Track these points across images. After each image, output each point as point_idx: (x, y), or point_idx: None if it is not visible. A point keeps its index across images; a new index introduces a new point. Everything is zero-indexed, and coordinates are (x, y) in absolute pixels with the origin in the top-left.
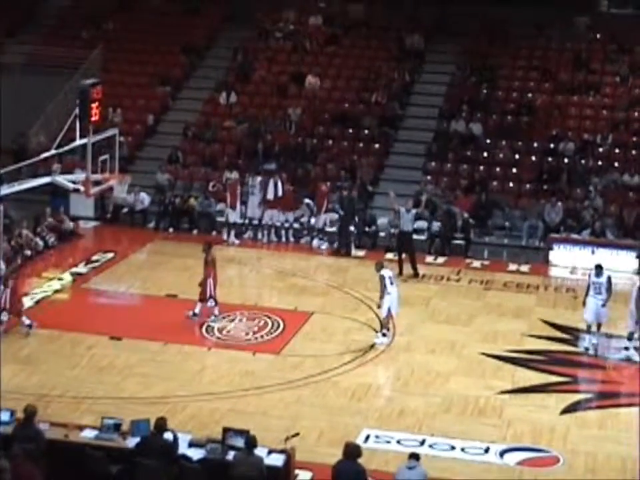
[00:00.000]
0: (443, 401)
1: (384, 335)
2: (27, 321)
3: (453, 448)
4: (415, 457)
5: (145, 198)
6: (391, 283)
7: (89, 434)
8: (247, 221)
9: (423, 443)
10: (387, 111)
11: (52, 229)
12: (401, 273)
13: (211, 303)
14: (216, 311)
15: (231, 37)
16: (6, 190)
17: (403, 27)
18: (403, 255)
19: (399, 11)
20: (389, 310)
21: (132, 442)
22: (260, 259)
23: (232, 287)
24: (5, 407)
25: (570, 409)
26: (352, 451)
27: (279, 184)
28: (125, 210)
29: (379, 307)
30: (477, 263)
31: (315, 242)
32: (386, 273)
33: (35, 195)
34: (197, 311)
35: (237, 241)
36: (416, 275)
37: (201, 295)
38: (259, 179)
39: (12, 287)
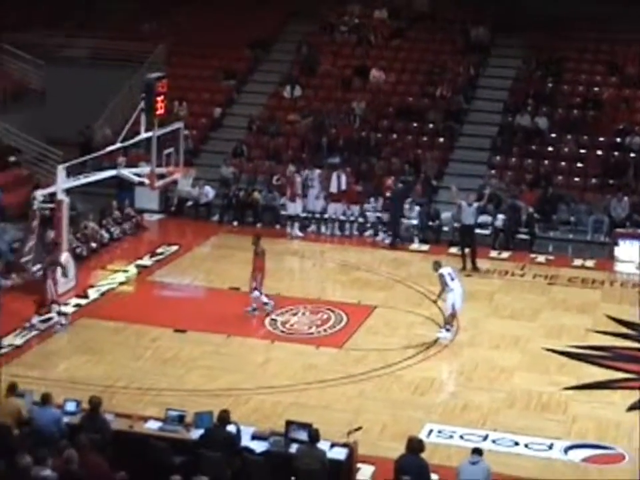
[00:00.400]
0: (506, 396)
1: (447, 330)
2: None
3: (516, 444)
4: (477, 452)
5: (209, 191)
6: (452, 279)
7: (153, 425)
8: (310, 214)
9: (486, 438)
10: (452, 105)
11: (117, 222)
12: (464, 267)
13: (255, 294)
14: (265, 300)
15: (296, 30)
16: (72, 182)
17: (468, 20)
18: (466, 250)
19: (465, 3)
20: (453, 305)
21: (195, 434)
22: (323, 253)
23: (295, 280)
24: (71, 397)
25: (636, 406)
26: (415, 445)
27: (343, 177)
28: (190, 203)
29: (435, 301)
30: (541, 258)
31: (380, 235)
32: (445, 270)
33: (100, 188)
34: (254, 305)
35: (300, 234)
36: (475, 269)
37: (259, 287)
38: (317, 171)
39: (52, 278)
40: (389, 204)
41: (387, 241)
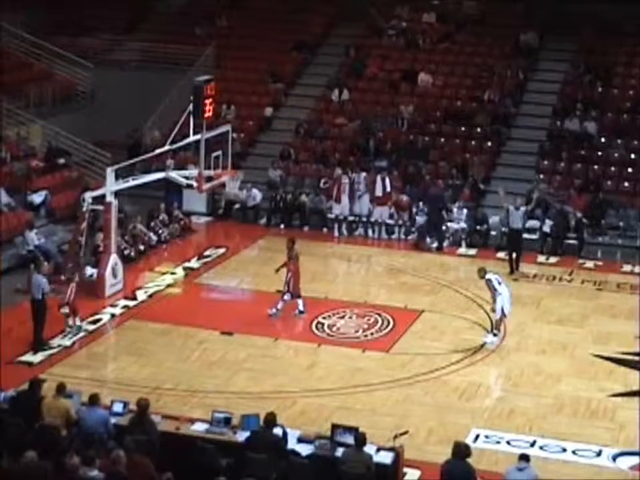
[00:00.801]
0: (554, 402)
1: (495, 334)
2: (78, 322)
3: (564, 450)
4: (525, 458)
5: (256, 194)
6: (499, 283)
7: (199, 427)
8: (356, 218)
9: (533, 444)
10: (500, 109)
11: (165, 224)
12: (511, 271)
13: (287, 297)
14: (301, 305)
15: (343, 33)
16: (121, 185)
17: (517, 24)
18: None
19: (514, 7)
20: (502, 310)
21: (242, 436)
22: (370, 256)
23: (342, 284)
24: (118, 398)
25: None
26: (461, 450)
27: (387, 180)
28: (237, 206)
29: (493, 310)
30: (590, 264)
31: (428, 240)
32: (491, 276)
33: (148, 190)
34: (301, 308)
35: (345, 233)
36: (512, 272)
37: (293, 290)
38: (363, 174)
39: (73, 281)
40: (428, 208)
41: (434, 245)
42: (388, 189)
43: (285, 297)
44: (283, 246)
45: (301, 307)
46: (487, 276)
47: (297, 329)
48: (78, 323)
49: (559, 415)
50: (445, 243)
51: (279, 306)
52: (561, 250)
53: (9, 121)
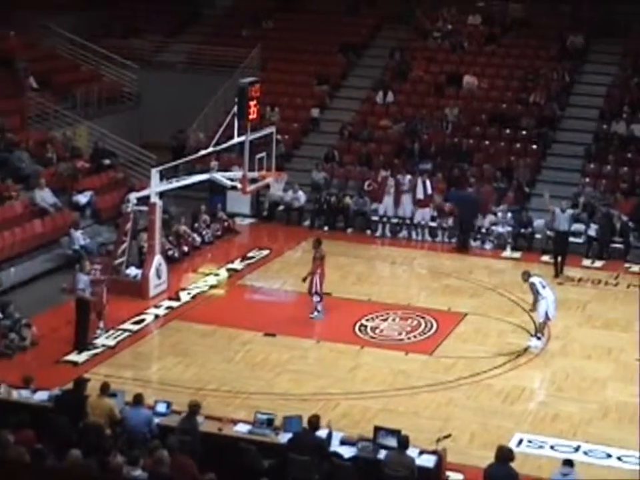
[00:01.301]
0: (599, 407)
1: (539, 338)
2: (101, 325)
3: (609, 456)
4: (569, 463)
5: (300, 196)
6: (543, 287)
7: (242, 428)
8: (399, 220)
9: (577, 449)
10: (546, 112)
11: (209, 226)
12: (556, 274)
13: (316, 298)
14: (319, 307)
15: (389, 36)
16: (165, 186)
17: (564, 26)
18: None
19: (560, 9)
20: (546, 314)
21: (284, 437)
22: (414, 259)
23: (386, 286)
24: (161, 398)
25: None
26: (504, 455)
27: (427, 183)
28: (281, 207)
29: (532, 310)
30: (635, 267)
31: (477, 242)
32: (535, 279)
33: (193, 192)
34: (319, 308)
35: (388, 234)
36: (556, 275)
37: (309, 290)
38: (408, 177)
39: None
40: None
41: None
42: (429, 191)
43: (315, 299)
44: (327, 248)
45: (319, 308)
46: (531, 279)
47: (340, 331)
48: (101, 325)
49: (604, 420)
50: (475, 243)
51: (319, 307)
52: (607, 254)
53: (56, 121)
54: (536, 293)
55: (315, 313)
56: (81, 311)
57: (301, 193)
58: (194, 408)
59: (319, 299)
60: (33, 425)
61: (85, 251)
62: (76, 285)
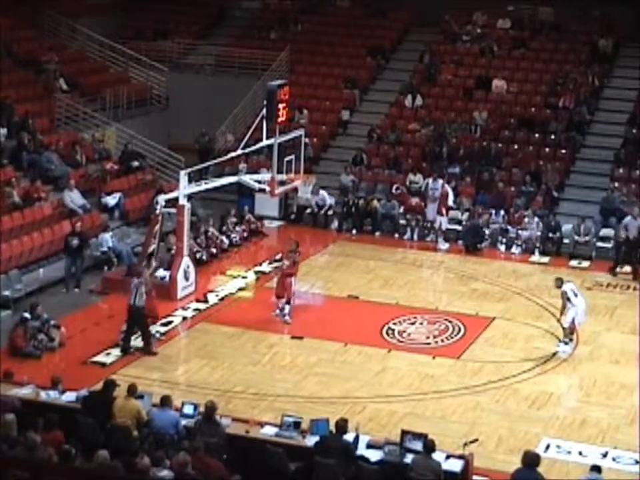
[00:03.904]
0: (627, 413)
1: (566, 343)
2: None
3: (637, 462)
4: (596, 469)
5: (327, 198)
6: (575, 295)
7: (269, 431)
8: (427, 224)
9: (605, 455)
10: (575, 116)
11: (237, 228)
12: (614, 273)
13: (286, 302)
14: (286, 309)
15: (418, 39)
16: (194, 188)
17: (594, 31)
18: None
19: (590, 14)
20: (573, 319)
21: (311, 440)
22: (442, 263)
23: (413, 290)
24: (189, 400)
25: None
26: (531, 460)
27: (449, 188)
28: (309, 210)
29: (559, 320)
30: None
31: (503, 247)
32: (567, 287)
33: (221, 194)
34: (286, 311)
35: (416, 238)
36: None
37: (277, 291)
38: (440, 181)
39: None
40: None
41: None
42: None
43: (286, 302)
44: (355, 251)
45: (286, 311)
46: (564, 287)
47: (367, 335)
48: (123, 328)
49: (633, 427)
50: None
51: (286, 310)
52: (636, 259)
53: (85, 123)
54: (566, 301)
55: (278, 312)
56: (130, 317)
57: (327, 196)
58: (210, 409)
59: (290, 303)
60: (61, 425)
61: (114, 252)
62: (135, 295)
